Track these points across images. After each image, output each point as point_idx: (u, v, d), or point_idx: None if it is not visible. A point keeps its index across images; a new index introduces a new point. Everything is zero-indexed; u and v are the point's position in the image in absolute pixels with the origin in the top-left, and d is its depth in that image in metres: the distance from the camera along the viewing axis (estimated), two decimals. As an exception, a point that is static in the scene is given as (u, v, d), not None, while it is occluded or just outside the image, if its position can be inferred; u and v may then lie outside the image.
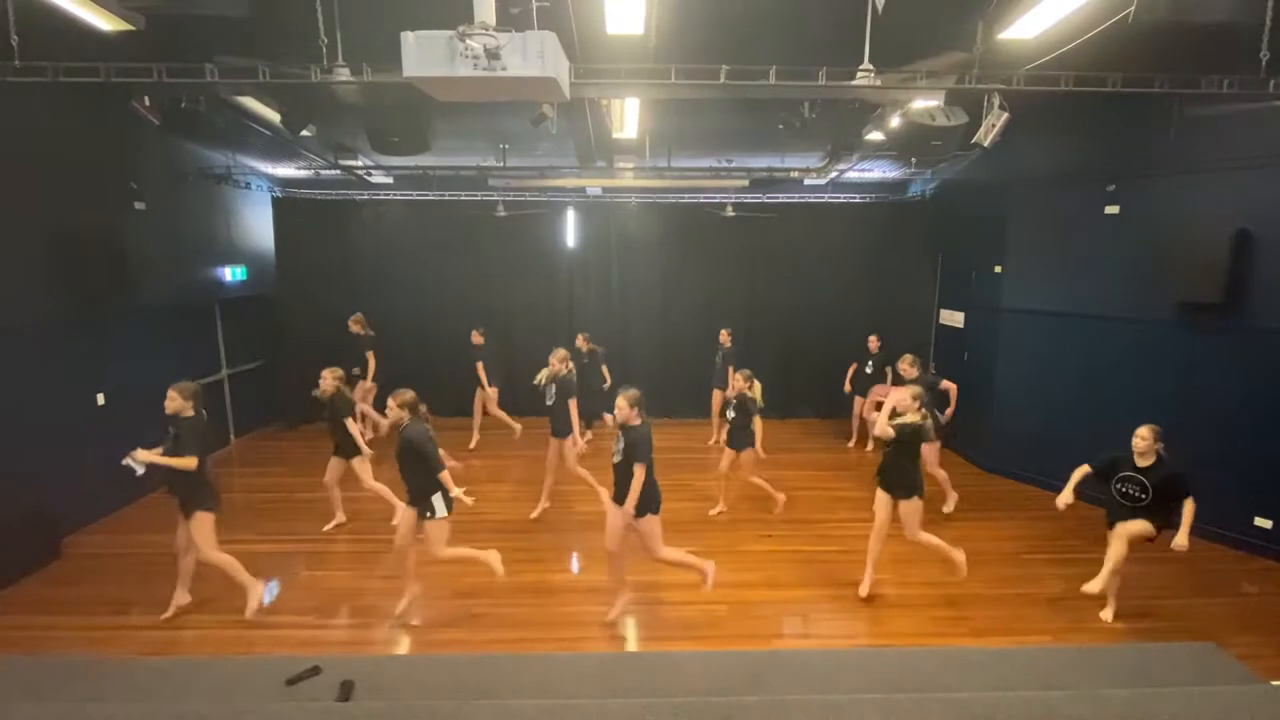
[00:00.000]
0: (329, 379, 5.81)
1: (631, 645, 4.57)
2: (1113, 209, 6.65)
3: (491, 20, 3.01)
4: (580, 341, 8.46)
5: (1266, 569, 5.57)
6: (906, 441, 4.69)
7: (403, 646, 4.50)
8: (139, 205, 6.96)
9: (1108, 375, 6.77)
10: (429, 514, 4.46)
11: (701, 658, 4.24)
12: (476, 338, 8.31)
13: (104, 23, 4.17)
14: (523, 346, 9.41)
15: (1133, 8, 3.88)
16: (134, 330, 6.80)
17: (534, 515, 6.46)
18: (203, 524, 4.55)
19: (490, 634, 4.59)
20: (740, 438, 6.20)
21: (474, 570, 5.47)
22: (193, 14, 4.24)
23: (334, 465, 5.99)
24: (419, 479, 4.44)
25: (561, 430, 6.18)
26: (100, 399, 6.40)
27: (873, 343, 8.43)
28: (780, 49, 4.67)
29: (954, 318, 8.86)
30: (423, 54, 3.00)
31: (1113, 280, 6.66)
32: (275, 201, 9.50)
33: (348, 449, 5.89)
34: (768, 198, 9.59)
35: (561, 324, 9.84)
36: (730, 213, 9.47)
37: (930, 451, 6.20)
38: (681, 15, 4.34)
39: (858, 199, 9.75)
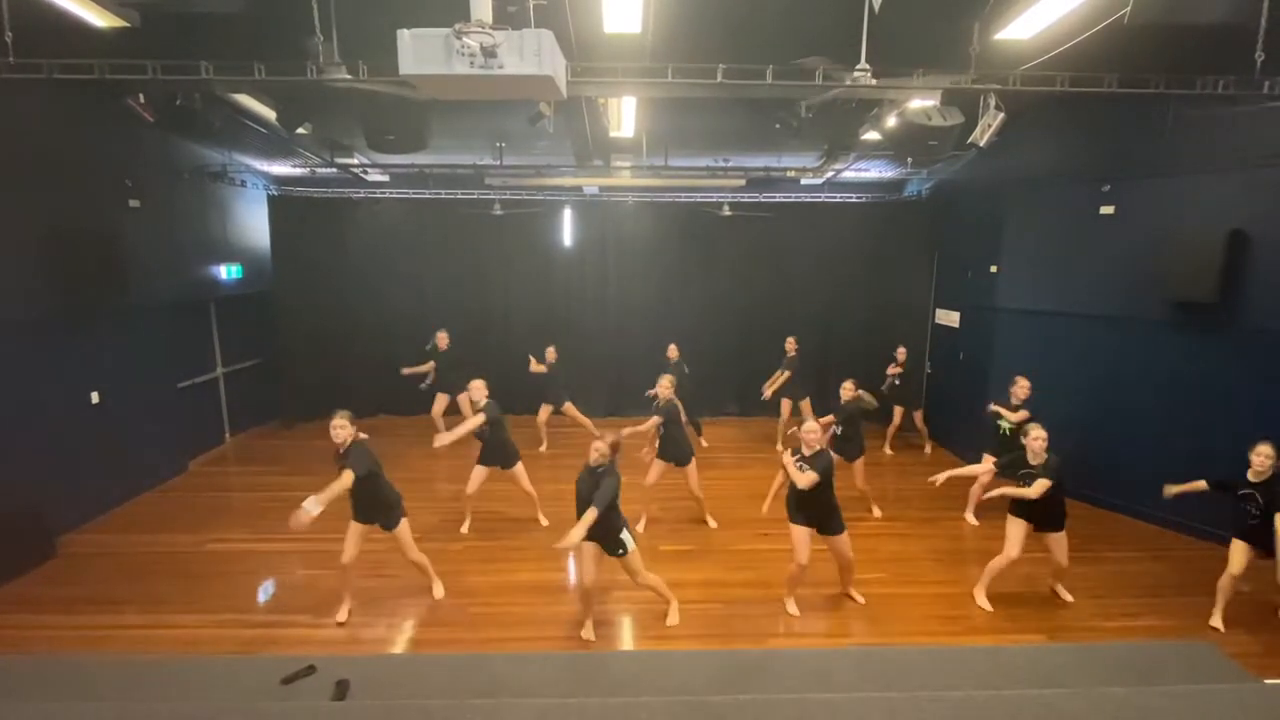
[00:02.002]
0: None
1: (627, 645, 4.57)
2: (1108, 209, 6.67)
3: (488, 18, 3.00)
4: (672, 351, 8.29)
5: (1261, 568, 5.58)
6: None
7: (398, 646, 4.50)
8: (134, 203, 6.92)
9: (1102, 374, 6.78)
10: (621, 551, 4.37)
11: (698, 657, 4.24)
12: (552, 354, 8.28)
13: (98, 19, 4.15)
14: (519, 345, 9.42)
15: (1128, 8, 3.90)
16: (128, 328, 6.76)
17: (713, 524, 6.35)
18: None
19: (486, 633, 4.59)
20: (852, 448, 6.25)
21: (473, 570, 5.48)
22: (187, 11, 4.23)
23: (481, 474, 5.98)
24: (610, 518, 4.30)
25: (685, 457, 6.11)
26: (95, 397, 6.37)
27: (900, 354, 8.39)
28: (777, 48, 4.67)
29: (949, 317, 8.88)
30: (419, 52, 3.00)
31: (1108, 280, 6.68)
32: (271, 199, 9.46)
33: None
34: (764, 197, 9.59)
35: (558, 322, 9.82)
36: (727, 212, 9.47)
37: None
38: (678, 14, 4.34)
39: (854, 199, 9.76)
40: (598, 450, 4.24)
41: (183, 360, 7.89)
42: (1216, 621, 4.68)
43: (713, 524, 6.31)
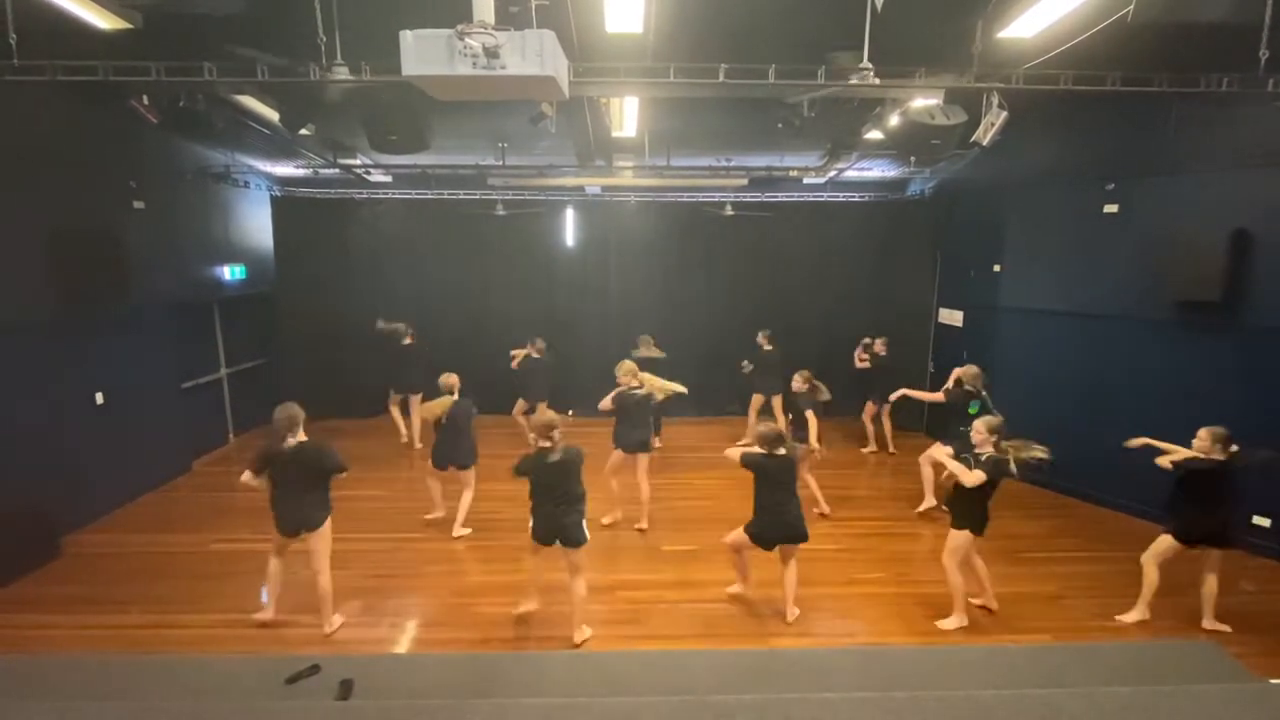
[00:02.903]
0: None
1: (630, 644, 4.57)
2: (1111, 208, 6.65)
3: (490, 19, 3.00)
4: (644, 345, 8.35)
5: (1264, 567, 5.58)
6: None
7: (402, 645, 4.51)
8: (138, 204, 6.95)
9: (1106, 374, 6.77)
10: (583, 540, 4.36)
11: (700, 656, 4.24)
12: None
13: (102, 21, 4.16)
14: (523, 345, 9.45)
15: (1131, 6, 3.89)
16: (133, 329, 6.79)
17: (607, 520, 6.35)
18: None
19: (489, 633, 4.59)
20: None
21: (474, 570, 5.49)
22: (190, 12, 4.24)
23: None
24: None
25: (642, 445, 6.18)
26: (99, 398, 6.40)
27: (879, 346, 8.45)
28: (779, 48, 4.67)
29: (953, 316, 8.86)
30: (422, 53, 3.00)
31: (1111, 279, 6.67)
32: (274, 200, 9.49)
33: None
34: (767, 197, 9.58)
35: (561, 322, 9.84)
36: (729, 212, 9.47)
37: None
38: (680, 14, 4.34)
39: (857, 198, 9.75)
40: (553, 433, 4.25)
41: (187, 360, 7.92)
42: (1211, 624, 4.67)
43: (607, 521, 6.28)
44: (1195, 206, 5.98)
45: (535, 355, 8.32)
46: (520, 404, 8.49)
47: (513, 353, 8.37)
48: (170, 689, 3.76)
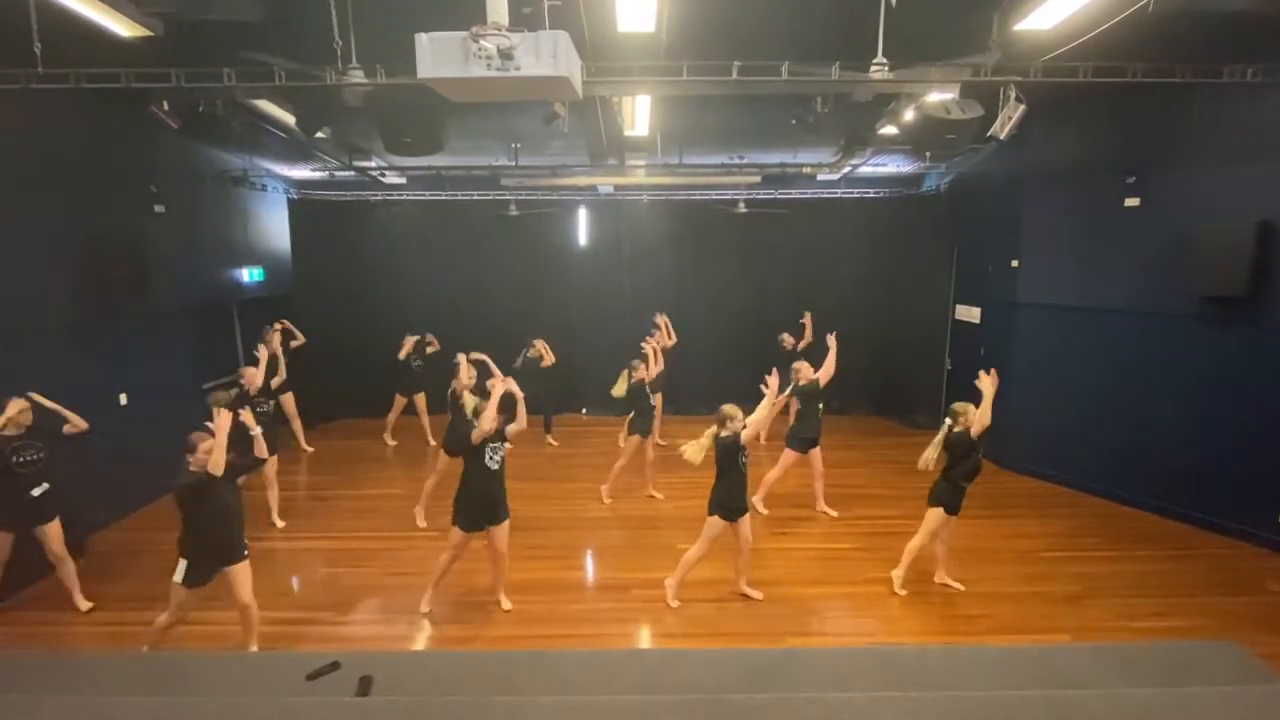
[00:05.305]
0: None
1: (647, 642, 4.58)
2: (1133, 201, 6.55)
3: (504, 20, 3.02)
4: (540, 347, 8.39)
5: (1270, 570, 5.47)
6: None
7: (421, 642, 4.55)
8: (159, 208, 7.06)
9: (1127, 371, 6.67)
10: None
11: (716, 655, 4.24)
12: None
13: (123, 29, 4.23)
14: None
15: (1152, -4, 3.82)
16: (154, 331, 6.90)
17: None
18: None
19: (507, 630, 4.63)
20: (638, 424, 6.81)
21: (490, 569, 5.51)
22: (208, 18, 4.30)
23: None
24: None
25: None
26: (123, 399, 6.51)
27: (787, 340, 8.34)
28: (792, 44, 4.64)
29: (970, 313, 8.77)
30: (436, 55, 3.02)
31: (1132, 274, 6.56)
32: (291, 203, 9.60)
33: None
34: (780, 194, 9.54)
35: (573, 321, 9.86)
36: (742, 209, 9.44)
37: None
38: (692, 12, 4.33)
39: (871, 194, 9.67)
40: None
41: (207, 362, 8.03)
42: (897, 586, 5.03)
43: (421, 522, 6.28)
44: (1219, 199, 5.87)
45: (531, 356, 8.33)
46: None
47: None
48: (193, 685, 3.82)
